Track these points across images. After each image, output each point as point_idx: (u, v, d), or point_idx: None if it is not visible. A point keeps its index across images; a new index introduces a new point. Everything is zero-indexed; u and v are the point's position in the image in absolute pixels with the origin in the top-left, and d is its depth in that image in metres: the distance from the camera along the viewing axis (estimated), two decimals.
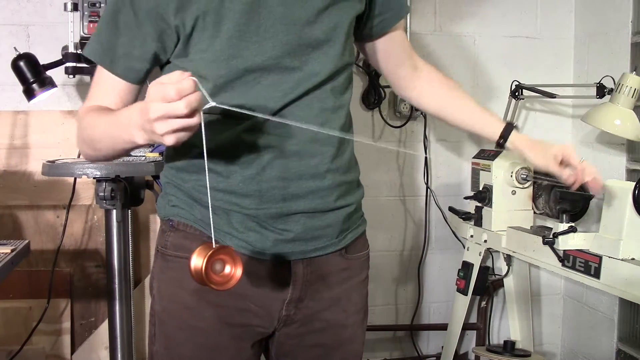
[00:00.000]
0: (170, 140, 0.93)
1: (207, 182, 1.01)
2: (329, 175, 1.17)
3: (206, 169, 1.01)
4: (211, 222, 1.03)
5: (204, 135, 0.94)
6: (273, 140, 1.13)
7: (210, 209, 1.04)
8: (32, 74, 2.04)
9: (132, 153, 1.92)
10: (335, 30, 1.15)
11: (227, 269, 0.96)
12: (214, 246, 0.95)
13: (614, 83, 2.16)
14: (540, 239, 1.97)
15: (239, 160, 1.14)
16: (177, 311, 1.21)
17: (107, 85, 1.18)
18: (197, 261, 0.94)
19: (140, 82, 1.20)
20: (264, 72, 1.11)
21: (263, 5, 1.10)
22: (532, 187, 2.26)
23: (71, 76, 2.08)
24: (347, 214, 1.23)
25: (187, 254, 1.17)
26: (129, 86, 1.18)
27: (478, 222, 2.34)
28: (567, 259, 1.91)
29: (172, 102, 0.89)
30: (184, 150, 1.18)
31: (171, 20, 1.10)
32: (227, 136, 1.13)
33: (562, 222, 1.93)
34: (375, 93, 2.57)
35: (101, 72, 1.19)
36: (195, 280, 0.94)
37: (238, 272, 0.96)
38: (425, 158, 2.64)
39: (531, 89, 2.46)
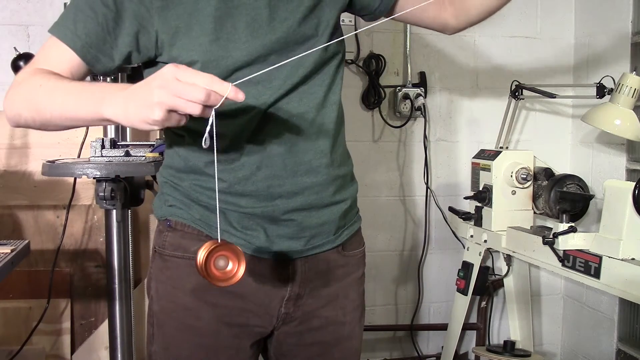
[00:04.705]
0: (158, 114, 0.86)
1: (216, 174, 1.01)
2: (324, 170, 1.17)
3: (215, 165, 1.00)
4: (217, 214, 1.02)
5: (215, 138, 0.92)
6: (264, 139, 1.12)
7: (217, 200, 1.03)
8: None
9: (132, 153, 1.93)
10: (319, 26, 1.16)
11: (230, 266, 0.95)
12: (219, 241, 0.95)
13: (614, 83, 2.15)
14: (540, 239, 1.97)
15: (233, 162, 1.13)
16: (175, 311, 1.21)
17: (62, 55, 1.07)
18: (201, 254, 0.94)
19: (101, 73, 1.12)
20: (253, 70, 1.07)
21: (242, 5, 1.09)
22: (532, 187, 2.26)
23: None
24: (344, 210, 1.23)
25: (185, 254, 1.18)
26: (85, 66, 1.09)
27: (478, 222, 2.34)
28: (567, 259, 1.91)
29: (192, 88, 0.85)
30: (182, 149, 1.18)
31: (155, 21, 1.07)
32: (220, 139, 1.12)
33: (562, 222, 1.93)
34: (375, 93, 2.57)
35: (59, 42, 1.08)
36: (199, 273, 0.95)
37: (241, 270, 0.95)
38: (425, 158, 2.64)
39: (531, 89, 2.46)
